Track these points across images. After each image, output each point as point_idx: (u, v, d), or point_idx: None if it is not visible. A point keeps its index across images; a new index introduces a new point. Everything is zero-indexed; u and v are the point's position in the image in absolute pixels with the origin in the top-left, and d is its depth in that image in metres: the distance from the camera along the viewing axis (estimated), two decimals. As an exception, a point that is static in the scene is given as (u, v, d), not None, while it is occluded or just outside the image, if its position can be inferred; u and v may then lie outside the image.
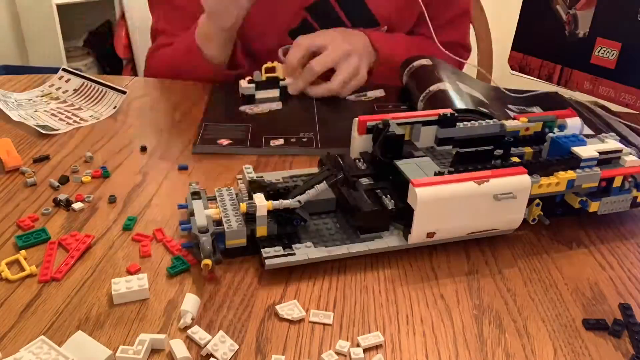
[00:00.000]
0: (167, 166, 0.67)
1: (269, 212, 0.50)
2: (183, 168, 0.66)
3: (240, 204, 0.51)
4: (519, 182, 0.51)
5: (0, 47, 2.23)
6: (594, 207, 0.56)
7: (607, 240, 0.57)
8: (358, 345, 0.43)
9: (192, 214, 0.52)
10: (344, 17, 0.94)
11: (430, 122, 0.62)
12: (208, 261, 0.48)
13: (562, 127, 0.63)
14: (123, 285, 0.46)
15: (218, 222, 0.51)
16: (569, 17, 0.85)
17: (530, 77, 0.92)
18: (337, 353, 0.43)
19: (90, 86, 0.84)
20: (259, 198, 0.50)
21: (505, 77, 0.97)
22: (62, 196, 0.59)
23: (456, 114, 0.62)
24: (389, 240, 0.53)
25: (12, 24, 2.26)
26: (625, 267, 0.54)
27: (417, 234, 0.51)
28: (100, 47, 2.41)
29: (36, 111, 0.79)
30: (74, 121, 0.76)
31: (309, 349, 0.43)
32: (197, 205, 0.53)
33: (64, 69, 0.88)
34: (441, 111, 0.62)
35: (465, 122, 0.62)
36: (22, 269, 0.49)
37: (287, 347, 0.43)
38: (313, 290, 0.49)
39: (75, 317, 0.45)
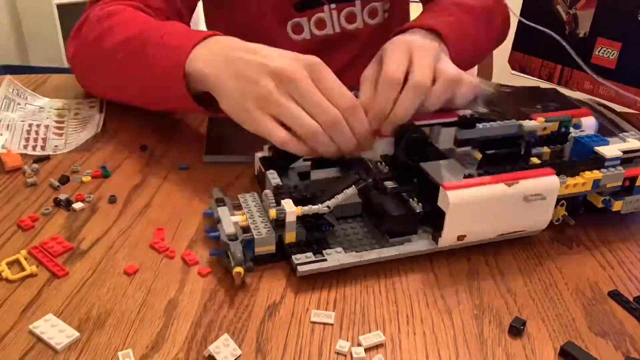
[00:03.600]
0: (167, 166, 0.67)
1: (297, 217, 0.50)
2: (183, 168, 0.66)
3: (269, 210, 0.50)
4: (548, 183, 0.51)
5: (0, 47, 2.24)
6: (617, 206, 0.56)
7: (607, 241, 0.57)
8: (359, 345, 0.43)
9: (218, 221, 0.52)
10: None
11: (450, 123, 0.61)
12: (240, 269, 0.47)
13: (577, 127, 0.63)
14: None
15: (244, 229, 0.51)
16: (569, 17, 0.85)
17: (530, 77, 0.92)
18: (338, 353, 0.43)
19: (94, 118, 0.75)
20: (288, 204, 0.49)
21: (505, 77, 0.97)
22: (62, 196, 0.59)
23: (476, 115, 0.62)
24: (419, 244, 0.52)
25: (12, 24, 2.26)
26: (625, 267, 0.54)
27: (448, 237, 0.51)
28: (100, 47, 2.41)
29: (23, 120, 0.73)
30: (33, 147, 0.69)
31: (309, 349, 0.43)
32: (223, 212, 0.52)
33: (102, 101, 0.78)
34: (461, 112, 0.61)
35: (484, 123, 0.62)
36: (22, 269, 0.49)
37: (287, 347, 0.43)
38: (313, 290, 0.49)
39: (75, 317, 0.45)
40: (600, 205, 0.56)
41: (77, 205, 0.58)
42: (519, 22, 0.91)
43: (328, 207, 0.50)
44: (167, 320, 0.45)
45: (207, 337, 0.44)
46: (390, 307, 0.47)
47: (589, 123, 0.63)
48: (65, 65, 2.20)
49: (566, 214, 0.56)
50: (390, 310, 0.47)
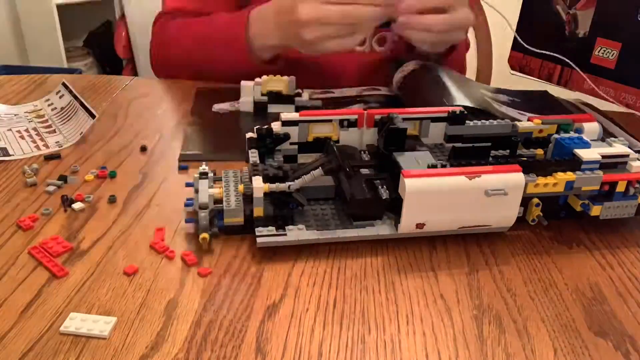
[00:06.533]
0: (167, 166, 0.67)
1: (266, 194, 0.52)
2: (183, 168, 0.66)
3: (239, 185, 0.54)
4: (512, 179, 0.51)
5: (0, 47, 2.24)
6: (595, 211, 0.55)
7: (607, 241, 0.57)
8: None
9: (197, 191, 0.55)
10: None
11: (440, 118, 0.62)
12: (205, 235, 0.51)
13: (578, 131, 0.62)
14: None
15: (218, 201, 0.54)
16: (568, 17, 0.85)
17: (530, 77, 0.92)
18: (338, 353, 0.43)
19: (74, 105, 0.78)
20: (257, 180, 0.52)
21: (505, 78, 0.97)
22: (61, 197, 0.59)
23: (465, 112, 0.62)
24: (381, 229, 0.54)
25: (12, 24, 2.26)
26: (625, 267, 0.54)
27: (406, 224, 0.52)
28: (100, 47, 2.41)
29: (9, 129, 0.73)
30: (36, 147, 0.70)
31: (309, 349, 0.43)
32: (201, 184, 0.55)
33: (64, 84, 0.81)
34: (450, 108, 0.62)
35: (475, 121, 0.62)
36: (22, 269, 0.49)
37: (287, 347, 0.43)
38: (313, 290, 0.49)
39: (75, 317, 0.45)
40: (578, 208, 0.56)
41: (77, 205, 0.58)
42: (519, 21, 0.91)
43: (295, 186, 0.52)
44: (167, 320, 0.45)
45: (207, 337, 0.43)
46: (390, 307, 0.47)
47: (591, 128, 0.62)
48: (65, 65, 2.20)
49: (541, 214, 0.55)
50: (390, 310, 0.47)
